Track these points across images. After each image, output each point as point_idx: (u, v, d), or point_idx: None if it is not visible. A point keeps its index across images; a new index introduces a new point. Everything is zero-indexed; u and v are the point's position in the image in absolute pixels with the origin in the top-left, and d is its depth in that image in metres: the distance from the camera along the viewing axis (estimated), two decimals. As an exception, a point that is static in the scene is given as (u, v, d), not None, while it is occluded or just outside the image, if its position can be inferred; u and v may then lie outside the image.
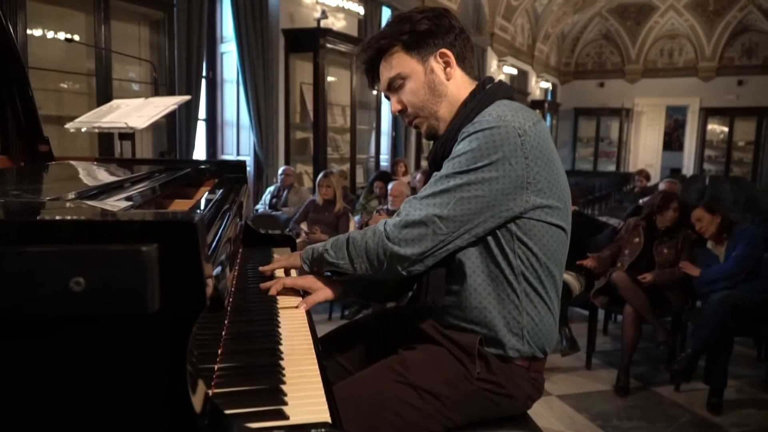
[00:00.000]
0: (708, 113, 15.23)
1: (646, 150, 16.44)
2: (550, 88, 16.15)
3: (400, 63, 1.40)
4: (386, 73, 1.43)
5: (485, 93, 1.38)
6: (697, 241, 3.69)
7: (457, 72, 1.41)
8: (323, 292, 1.45)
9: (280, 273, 1.61)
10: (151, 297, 0.57)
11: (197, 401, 0.62)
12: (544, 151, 1.28)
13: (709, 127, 15.42)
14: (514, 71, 13.07)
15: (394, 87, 1.43)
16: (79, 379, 0.61)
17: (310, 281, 1.47)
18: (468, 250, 1.31)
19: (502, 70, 12.64)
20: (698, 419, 3.08)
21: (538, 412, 3.08)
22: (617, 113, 15.99)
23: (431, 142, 1.49)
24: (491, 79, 1.45)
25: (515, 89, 1.49)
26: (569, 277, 3.80)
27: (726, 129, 15.22)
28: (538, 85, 15.22)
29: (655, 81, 15.75)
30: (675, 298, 3.56)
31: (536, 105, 14.51)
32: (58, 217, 0.59)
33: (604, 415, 3.09)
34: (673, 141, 16.55)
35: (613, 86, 16.21)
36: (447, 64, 1.40)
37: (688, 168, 15.61)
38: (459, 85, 1.42)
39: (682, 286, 3.63)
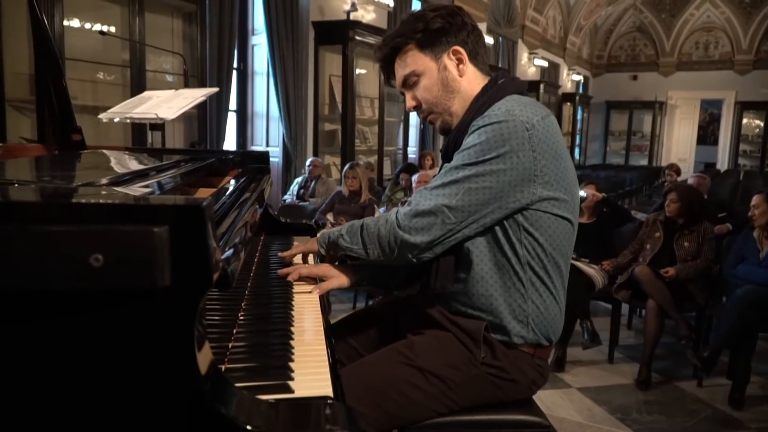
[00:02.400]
0: (744, 107, 14.89)
1: (679, 144, 16.15)
2: (582, 80, 15.95)
3: (414, 61, 1.43)
4: (401, 70, 1.46)
5: (497, 88, 1.42)
6: (734, 230, 3.64)
7: (469, 68, 1.45)
8: (337, 280, 1.51)
9: (298, 259, 1.67)
10: (161, 273, 0.64)
11: (203, 366, 0.68)
12: (552, 145, 1.31)
13: (745, 121, 15.08)
14: (545, 64, 12.95)
15: (408, 84, 1.47)
16: (95, 345, 0.67)
17: (325, 269, 1.54)
18: (476, 239, 1.35)
19: (533, 63, 12.53)
20: (719, 414, 3.07)
21: (557, 403, 3.11)
22: (650, 106, 15.73)
23: None
24: (504, 73, 1.49)
25: (527, 84, 1.51)
26: (592, 270, 3.80)
27: (762, 123, 14.87)
28: (570, 78, 15.05)
29: (690, 74, 15.44)
30: (698, 294, 3.53)
31: (567, 98, 14.36)
32: (80, 200, 0.66)
33: (624, 409, 3.09)
34: (707, 135, 16.24)
35: (647, 79, 15.94)
36: (460, 60, 1.43)
37: (723, 163, 15.29)
38: (471, 81, 1.45)
39: (705, 282, 3.60)
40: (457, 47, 1.42)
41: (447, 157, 1.43)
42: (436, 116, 1.48)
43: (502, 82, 1.44)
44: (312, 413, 0.76)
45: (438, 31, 1.41)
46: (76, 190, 0.83)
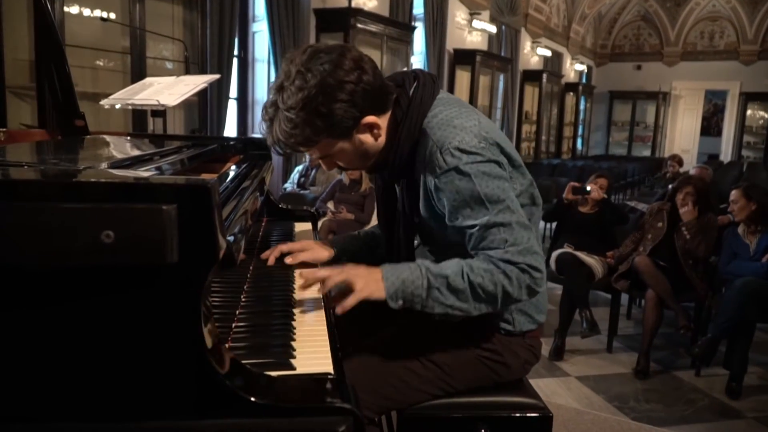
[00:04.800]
0: (748, 98, 14.81)
1: (682, 135, 16.10)
2: (585, 70, 15.89)
3: (325, 147, 1.30)
4: (309, 151, 1.32)
5: (414, 105, 1.33)
6: (729, 222, 3.66)
7: (383, 124, 1.33)
8: (312, 252, 1.55)
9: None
10: (170, 250, 0.66)
11: (209, 340, 0.70)
12: (498, 137, 1.33)
13: (749, 112, 15.01)
14: (548, 53, 12.90)
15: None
16: (106, 319, 0.70)
17: (304, 244, 1.58)
18: (463, 248, 1.32)
19: (536, 52, 12.49)
20: (716, 403, 3.09)
21: (555, 391, 3.14)
22: (654, 97, 15.66)
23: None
24: (409, 78, 1.38)
25: (435, 76, 1.43)
26: (592, 260, 3.82)
27: (766, 115, 14.81)
28: (573, 68, 14.99)
29: (694, 64, 15.36)
30: (699, 284, 3.55)
31: (570, 87, 14.32)
32: (93, 179, 0.69)
33: (622, 397, 3.12)
34: (711, 126, 16.18)
35: (651, 69, 15.86)
36: (373, 127, 1.31)
37: (726, 154, 15.25)
38: (387, 128, 1.34)
39: (704, 272, 3.62)
40: (368, 119, 1.28)
41: (389, 178, 1.45)
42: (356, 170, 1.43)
43: (414, 91, 1.34)
44: (313, 387, 0.78)
45: (343, 117, 1.23)
46: (85, 172, 0.85)
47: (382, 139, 1.33)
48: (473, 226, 1.25)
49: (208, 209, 0.68)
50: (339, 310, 1.18)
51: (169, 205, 0.65)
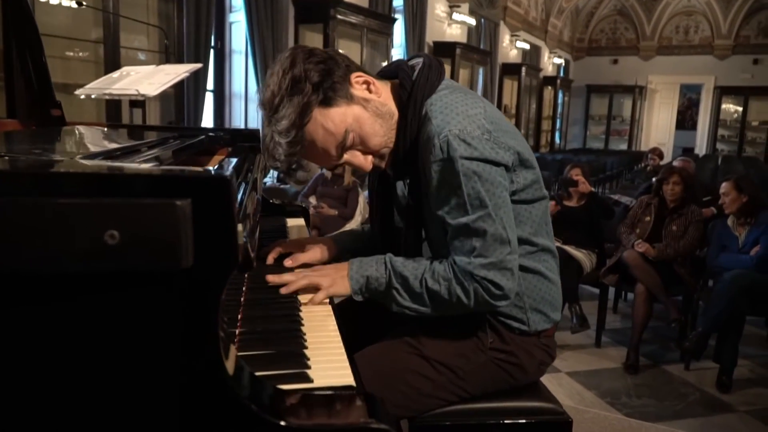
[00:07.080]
0: (722, 92, 15.03)
1: (658, 129, 16.30)
2: (563, 64, 15.96)
3: (333, 121, 1.21)
4: (324, 144, 1.23)
5: (419, 85, 1.26)
6: (718, 214, 3.66)
7: (376, 82, 1.28)
8: (312, 253, 1.46)
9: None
10: (184, 252, 0.56)
11: (229, 364, 0.61)
12: (505, 128, 1.25)
13: (723, 106, 15.23)
14: (527, 46, 12.91)
15: (346, 146, 1.24)
16: (111, 333, 0.60)
17: (303, 243, 1.51)
18: None
19: (514, 45, 12.49)
20: (707, 397, 3.08)
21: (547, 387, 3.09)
22: (630, 91, 15.82)
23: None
24: (406, 64, 1.33)
25: (441, 63, 1.36)
26: (580, 254, 3.79)
27: (740, 108, 15.03)
28: (551, 61, 15.04)
29: (670, 58, 15.54)
30: (688, 278, 3.53)
31: (548, 81, 14.36)
32: (93, 171, 0.58)
33: (614, 393, 3.09)
34: (686, 120, 16.41)
35: (627, 63, 16.01)
36: (367, 83, 1.26)
37: (701, 147, 15.48)
38: (388, 95, 1.29)
39: (693, 265, 3.61)
40: (354, 74, 1.24)
41: (392, 177, 1.37)
42: (386, 154, 1.30)
43: (417, 79, 1.27)
44: (342, 405, 0.69)
45: (325, 75, 1.19)
46: (76, 163, 0.75)
47: (384, 97, 1.28)
48: (449, 224, 1.21)
49: (227, 204, 0.58)
50: (309, 303, 1.24)
51: (183, 199, 0.55)
